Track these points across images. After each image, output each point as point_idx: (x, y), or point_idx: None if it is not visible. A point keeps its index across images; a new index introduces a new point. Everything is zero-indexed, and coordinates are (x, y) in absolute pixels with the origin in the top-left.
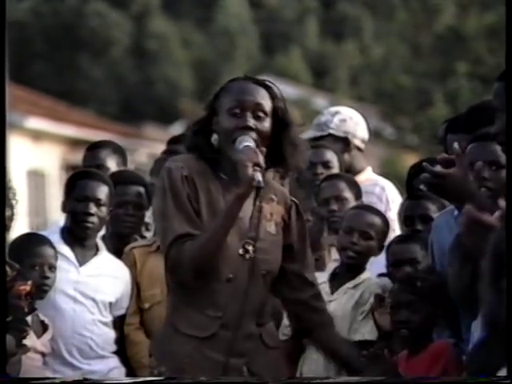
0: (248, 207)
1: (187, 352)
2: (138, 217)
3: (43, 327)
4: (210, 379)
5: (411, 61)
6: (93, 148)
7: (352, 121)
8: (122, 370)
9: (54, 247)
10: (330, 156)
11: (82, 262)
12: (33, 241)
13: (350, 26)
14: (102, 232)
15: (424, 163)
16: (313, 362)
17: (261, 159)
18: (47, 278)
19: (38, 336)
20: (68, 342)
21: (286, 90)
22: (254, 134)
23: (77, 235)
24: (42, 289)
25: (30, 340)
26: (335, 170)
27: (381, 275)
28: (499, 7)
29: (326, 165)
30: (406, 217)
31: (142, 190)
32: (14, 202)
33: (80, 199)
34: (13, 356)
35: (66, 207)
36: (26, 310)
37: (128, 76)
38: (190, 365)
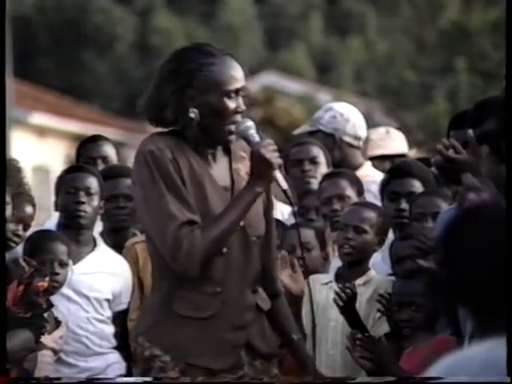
0: (225, 172)
1: (190, 335)
2: (130, 208)
3: (56, 324)
4: (209, 380)
5: (416, 56)
6: (94, 140)
7: (342, 118)
8: (123, 365)
9: (66, 243)
10: (317, 151)
11: (76, 259)
12: (44, 237)
13: (354, 22)
14: (100, 228)
15: (438, 146)
16: (329, 358)
17: (280, 160)
18: (57, 274)
19: (50, 332)
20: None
21: (290, 85)
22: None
23: (71, 231)
24: (52, 285)
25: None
26: (322, 165)
27: (390, 275)
28: (503, 2)
29: (313, 160)
30: (418, 213)
31: (131, 182)
32: (33, 198)
33: (70, 191)
34: (32, 352)
35: (57, 205)
36: (45, 306)
37: (132, 71)
38: (195, 348)
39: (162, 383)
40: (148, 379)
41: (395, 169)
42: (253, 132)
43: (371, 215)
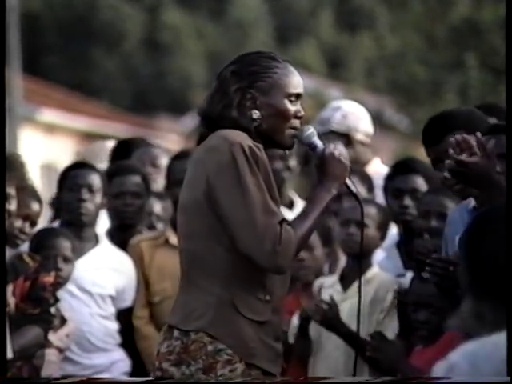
0: None
1: (249, 334)
2: (137, 206)
3: (62, 322)
4: (211, 380)
5: (426, 52)
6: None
7: (353, 115)
8: (128, 363)
9: (70, 239)
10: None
11: (78, 255)
12: (48, 234)
13: (364, 18)
14: (107, 226)
15: (450, 150)
16: (332, 360)
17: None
18: (60, 269)
19: (55, 330)
20: None
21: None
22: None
23: (73, 228)
24: (56, 281)
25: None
26: None
27: (399, 276)
28: None
29: None
30: (424, 211)
31: (138, 179)
32: (39, 194)
33: (72, 188)
34: (42, 348)
35: (60, 201)
36: (51, 301)
37: (141, 68)
38: (255, 349)
39: (163, 383)
40: (150, 379)
41: (399, 165)
42: (316, 138)
43: (372, 211)
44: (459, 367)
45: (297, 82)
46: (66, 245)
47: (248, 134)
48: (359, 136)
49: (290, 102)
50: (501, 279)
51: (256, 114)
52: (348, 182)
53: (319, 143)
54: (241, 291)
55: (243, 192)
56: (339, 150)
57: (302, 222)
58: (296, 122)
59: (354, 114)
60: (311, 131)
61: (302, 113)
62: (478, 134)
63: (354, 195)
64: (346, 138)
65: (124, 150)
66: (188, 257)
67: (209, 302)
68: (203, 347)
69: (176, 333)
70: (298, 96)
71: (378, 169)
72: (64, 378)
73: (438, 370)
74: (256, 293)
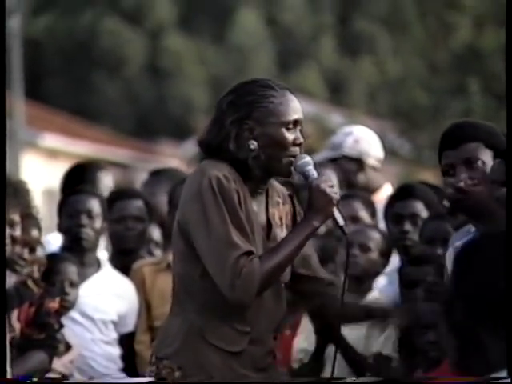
0: (263, 213)
1: (215, 364)
2: (139, 230)
3: (66, 348)
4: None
5: (428, 77)
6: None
7: (365, 141)
8: None
9: (75, 264)
10: (328, 173)
11: (80, 280)
12: (53, 259)
13: (366, 43)
14: (106, 251)
15: (450, 179)
16: (338, 371)
17: (338, 196)
18: (67, 294)
19: (59, 356)
20: None
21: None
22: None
23: (74, 253)
24: (62, 305)
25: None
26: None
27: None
28: None
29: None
30: (428, 237)
31: (140, 204)
32: (39, 220)
33: (72, 214)
34: (47, 373)
35: (60, 227)
36: (56, 326)
37: (142, 93)
38: (219, 379)
39: (164, 383)
40: (150, 379)
41: (399, 190)
42: (311, 168)
43: (376, 236)
44: None
45: (293, 108)
46: (72, 269)
47: (245, 166)
48: (371, 161)
49: (288, 130)
50: (491, 306)
51: (253, 144)
52: (336, 214)
53: (312, 173)
54: (213, 319)
55: (206, 225)
56: (330, 181)
57: (272, 254)
58: (295, 150)
59: (365, 139)
60: (306, 160)
61: (301, 140)
62: (480, 162)
63: (341, 228)
64: (358, 163)
65: (79, 174)
66: (174, 280)
67: (180, 328)
68: (171, 373)
69: (153, 358)
70: (295, 123)
71: (389, 194)
72: (65, 378)
73: None
74: (232, 323)
